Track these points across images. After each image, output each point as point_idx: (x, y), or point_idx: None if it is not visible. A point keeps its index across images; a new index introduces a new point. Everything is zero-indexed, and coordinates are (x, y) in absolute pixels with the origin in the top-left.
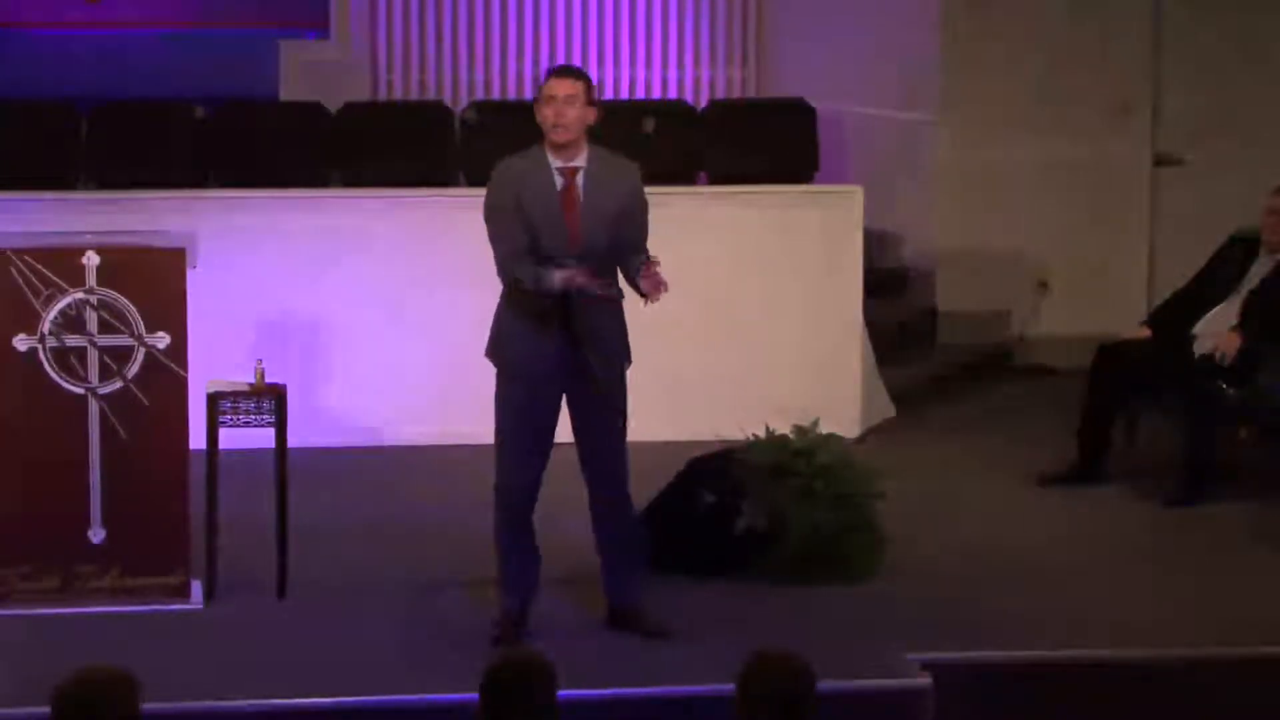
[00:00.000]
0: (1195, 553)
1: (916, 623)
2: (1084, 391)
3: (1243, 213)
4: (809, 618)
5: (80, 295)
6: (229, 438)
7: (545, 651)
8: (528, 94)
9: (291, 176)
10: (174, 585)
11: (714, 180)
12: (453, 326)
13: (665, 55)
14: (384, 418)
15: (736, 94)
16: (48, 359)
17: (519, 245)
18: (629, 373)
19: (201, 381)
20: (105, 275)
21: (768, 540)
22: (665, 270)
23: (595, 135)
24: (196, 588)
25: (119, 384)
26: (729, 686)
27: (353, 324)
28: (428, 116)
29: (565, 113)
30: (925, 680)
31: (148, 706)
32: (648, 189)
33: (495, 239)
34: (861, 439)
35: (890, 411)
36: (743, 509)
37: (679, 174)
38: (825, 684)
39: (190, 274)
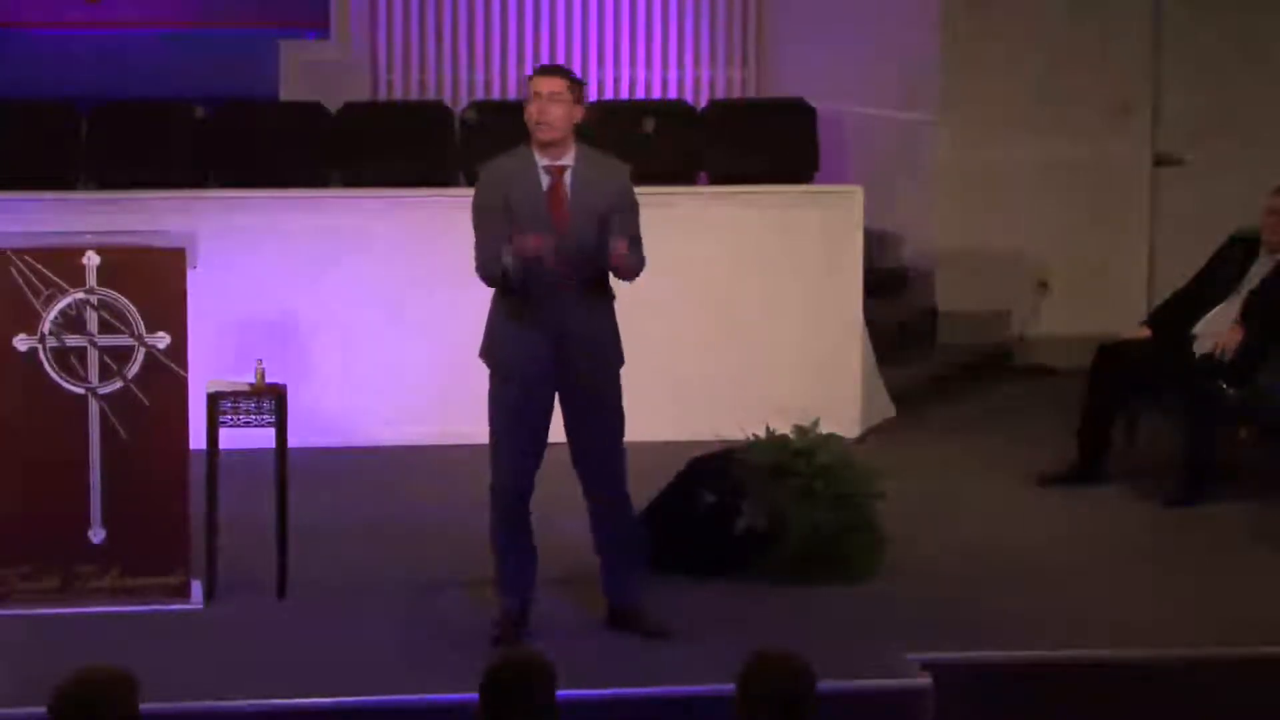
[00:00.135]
0: (1195, 553)
1: (916, 623)
2: (1084, 391)
3: (1243, 213)
4: (809, 618)
5: (80, 295)
6: (229, 438)
7: (545, 651)
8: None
9: (291, 176)
10: (174, 585)
11: (714, 180)
12: (453, 326)
13: (665, 55)
14: (384, 418)
15: (736, 94)
16: (48, 359)
17: (501, 246)
18: (624, 372)
19: (201, 381)
20: (105, 275)
21: (768, 540)
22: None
23: (584, 134)
24: (196, 588)
25: (119, 384)
26: (729, 686)
27: (353, 324)
28: (428, 116)
29: (549, 110)
30: (925, 680)
31: (147, 706)
32: (648, 189)
33: (478, 239)
34: (861, 439)
35: (890, 411)
36: (743, 509)
37: (679, 174)
38: (825, 684)
39: (190, 274)
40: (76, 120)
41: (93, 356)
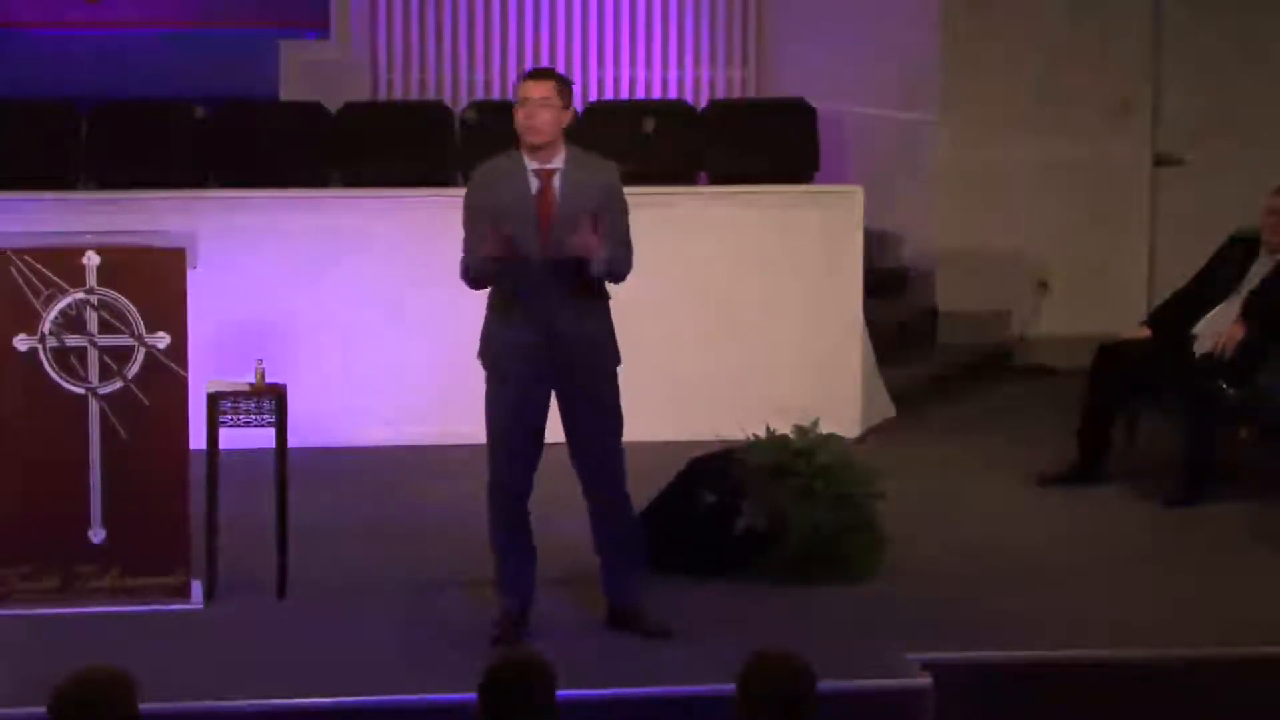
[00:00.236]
0: (1195, 553)
1: (916, 623)
2: (1084, 391)
3: (1243, 213)
4: (809, 618)
5: (80, 295)
6: (229, 438)
7: (545, 651)
8: None
9: (291, 176)
10: (174, 585)
11: (714, 180)
12: (453, 326)
13: (665, 55)
14: (384, 418)
15: (736, 94)
16: (48, 359)
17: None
18: (624, 372)
19: (201, 381)
20: (105, 275)
21: (768, 540)
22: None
23: (570, 135)
24: (196, 588)
25: (119, 384)
26: (729, 686)
27: (353, 324)
28: (428, 116)
29: (538, 114)
30: (925, 680)
31: (147, 706)
32: (649, 189)
33: (466, 240)
34: (861, 439)
35: (890, 411)
36: (743, 509)
37: (679, 174)
38: (825, 684)
39: (190, 274)
40: (76, 120)
41: (93, 356)
